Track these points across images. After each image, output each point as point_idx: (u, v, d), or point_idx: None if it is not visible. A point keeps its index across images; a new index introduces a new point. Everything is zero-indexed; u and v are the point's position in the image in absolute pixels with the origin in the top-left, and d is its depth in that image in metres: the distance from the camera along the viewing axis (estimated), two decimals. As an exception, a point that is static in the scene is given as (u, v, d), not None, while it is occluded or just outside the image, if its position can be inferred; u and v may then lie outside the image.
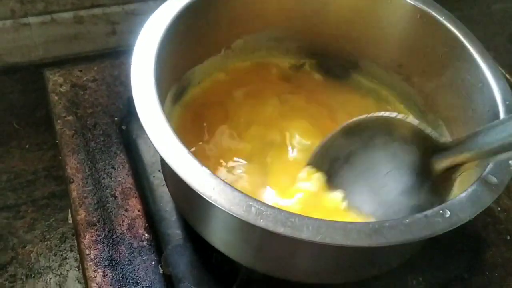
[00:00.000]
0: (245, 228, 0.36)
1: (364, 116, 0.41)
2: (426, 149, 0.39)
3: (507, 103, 0.39)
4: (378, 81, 0.54)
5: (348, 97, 0.54)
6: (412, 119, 0.40)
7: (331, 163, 0.43)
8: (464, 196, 0.33)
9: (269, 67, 0.55)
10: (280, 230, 0.30)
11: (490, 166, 0.35)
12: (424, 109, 0.51)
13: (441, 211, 0.32)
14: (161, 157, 0.33)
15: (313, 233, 0.30)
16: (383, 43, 0.51)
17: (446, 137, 0.47)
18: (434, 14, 0.46)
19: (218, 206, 0.31)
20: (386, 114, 0.40)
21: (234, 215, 0.31)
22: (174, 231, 0.48)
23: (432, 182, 0.39)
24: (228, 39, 0.51)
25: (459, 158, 0.36)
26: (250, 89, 0.52)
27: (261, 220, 0.30)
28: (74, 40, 0.65)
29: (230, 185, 0.32)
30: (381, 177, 0.41)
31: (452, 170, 0.37)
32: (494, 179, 0.34)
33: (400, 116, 0.39)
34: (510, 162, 0.35)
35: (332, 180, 0.43)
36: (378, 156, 0.41)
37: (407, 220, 0.31)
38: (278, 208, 0.31)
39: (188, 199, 0.40)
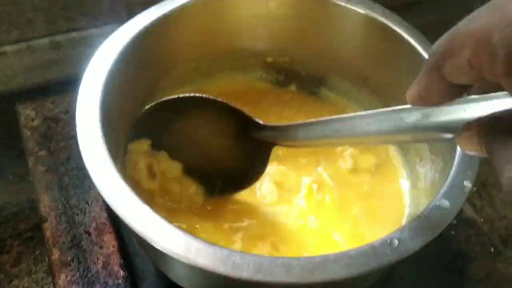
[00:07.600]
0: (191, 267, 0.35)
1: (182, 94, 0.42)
2: (246, 124, 0.41)
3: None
4: (345, 96, 0.53)
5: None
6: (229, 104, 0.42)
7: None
8: (414, 224, 0.32)
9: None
10: (220, 269, 0.29)
11: (444, 188, 0.34)
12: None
13: (389, 241, 0.30)
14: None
15: (254, 272, 0.29)
16: (346, 57, 0.50)
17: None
18: (393, 26, 0.44)
19: (157, 247, 0.30)
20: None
21: (173, 255, 0.30)
22: (149, 267, 0.48)
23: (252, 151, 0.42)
24: (183, 63, 0.51)
25: (272, 139, 0.41)
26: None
27: (200, 259, 0.30)
28: (53, 66, 0.63)
29: (170, 222, 0.31)
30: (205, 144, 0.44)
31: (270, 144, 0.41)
32: (446, 203, 0.32)
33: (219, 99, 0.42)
34: (464, 183, 0.34)
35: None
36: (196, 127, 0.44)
37: (352, 253, 0.30)
38: (219, 246, 0.30)
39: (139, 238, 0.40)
